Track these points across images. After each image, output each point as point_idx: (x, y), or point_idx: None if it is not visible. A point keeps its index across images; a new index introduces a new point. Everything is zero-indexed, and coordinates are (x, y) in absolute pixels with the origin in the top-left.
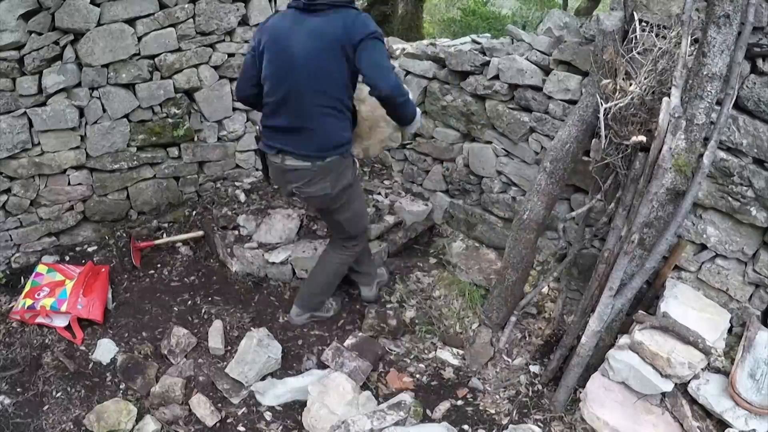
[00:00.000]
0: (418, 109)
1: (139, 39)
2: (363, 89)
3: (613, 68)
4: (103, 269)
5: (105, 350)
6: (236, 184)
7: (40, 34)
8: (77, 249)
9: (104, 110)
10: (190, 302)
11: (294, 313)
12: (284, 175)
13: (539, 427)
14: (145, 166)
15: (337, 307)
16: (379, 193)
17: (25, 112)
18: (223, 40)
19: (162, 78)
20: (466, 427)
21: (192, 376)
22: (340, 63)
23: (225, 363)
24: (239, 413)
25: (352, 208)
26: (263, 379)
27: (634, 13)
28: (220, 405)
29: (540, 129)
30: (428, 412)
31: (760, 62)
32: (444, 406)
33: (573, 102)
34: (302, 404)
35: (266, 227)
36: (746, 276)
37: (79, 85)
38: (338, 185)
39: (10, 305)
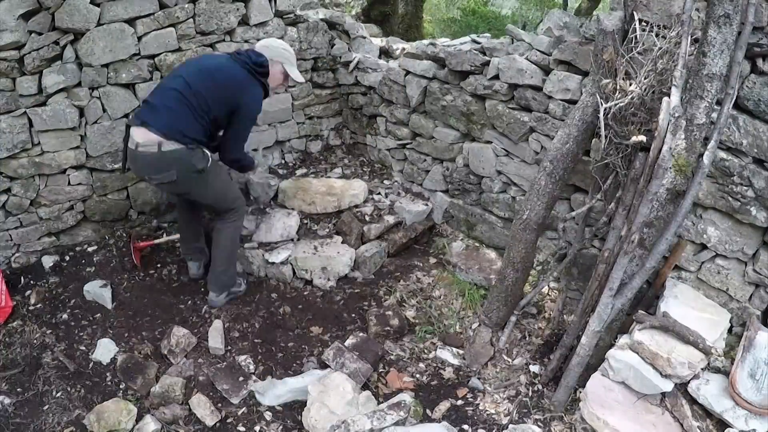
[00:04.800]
0: (255, 159)
1: (139, 39)
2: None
3: (613, 68)
4: None
5: (105, 350)
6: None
7: (40, 33)
8: (77, 249)
9: (104, 110)
10: (190, 302)
11: (211, 297)
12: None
13: (539, 427)
14: None
15: (245, 280)
16: (379, 193)
17: (25, 112)
18: (223, 40)
19: (162, 78)
20: (466, 427)
21: (192, 376)
22: (217, 101)
23: (225, 363)
24: (239, 413)
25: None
26: None
27: (634, 12)
28: (220, 405)
29: (540, 129)
30: (428, 412)
31: (760, 62)
32: (444, 406)
33: (573, 102)
34: (302, 404)
35: (266, 227)
36: (746, 276)
37: (79, 84)
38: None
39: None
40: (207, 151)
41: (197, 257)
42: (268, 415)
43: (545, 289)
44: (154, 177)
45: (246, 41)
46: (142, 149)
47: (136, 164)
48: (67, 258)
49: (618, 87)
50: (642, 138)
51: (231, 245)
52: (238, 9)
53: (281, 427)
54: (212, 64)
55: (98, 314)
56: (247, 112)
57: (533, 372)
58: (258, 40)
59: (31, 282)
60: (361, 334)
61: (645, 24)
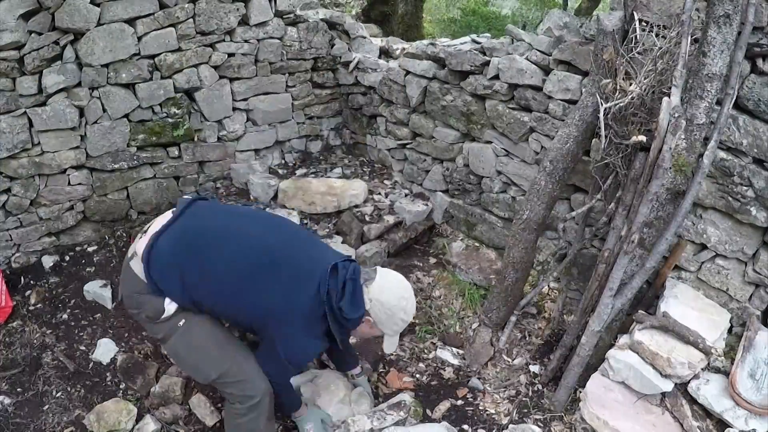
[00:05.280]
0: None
1: (139, 39)
2: None
3: (613, 68)
4: None
5: (105, 350)
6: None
7: (40, 33)
8: (77, 249)
9: (104, 110)
10: None
11: None
12: None
13: (539, 427)
14: (145, 166)
15: None
16: (379, 193)
17: (25, 112)
18: (223, 40)
19: (162, 78)
20: (466, 427)
21: None
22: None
23: None
24: None
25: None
26: None
27: (634, 12)
28: (219, 405)
29: (540, 129)
30: (428, 411)
31: (760, 62)
32: (444, 406)
33: (573, 102)
34: None
35: None
36: (746, 276)
37: (79, 84)
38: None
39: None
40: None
41: None
42: None
43: (545, 289)
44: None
45: (246, 41)
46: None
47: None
48: (67, 258)
49: (618, 87)
50: (642, 138)
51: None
52: (238, 9)
53: (281, 426)
54: (282, 260)
55: (98, 314)
56: (274, 350)
57: (533, 372)
58: (258, 40)
59: (31, 282)
60: None
61: (645, 24)
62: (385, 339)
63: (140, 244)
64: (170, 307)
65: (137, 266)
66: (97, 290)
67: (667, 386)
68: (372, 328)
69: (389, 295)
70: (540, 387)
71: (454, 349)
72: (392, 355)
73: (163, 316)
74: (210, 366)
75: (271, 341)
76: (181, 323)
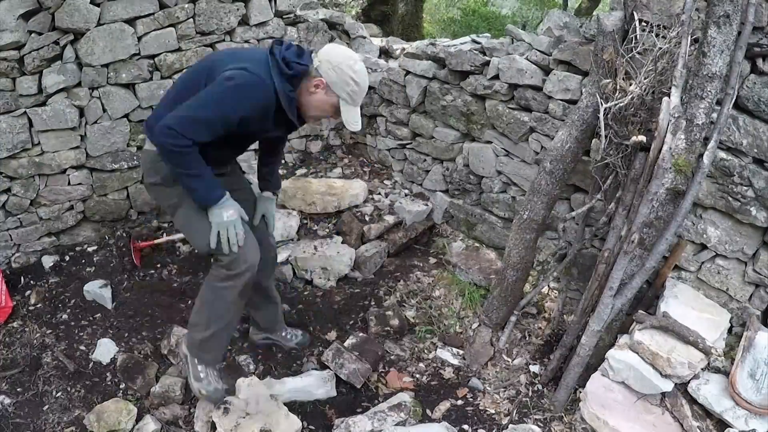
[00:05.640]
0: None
1: (139, 39)
2: None
3: (613, 68)
4: None
5: (105, 350)
6: None
7: (40, 33)
8: (77, 249)
9: (104, 110)
10: (190, 302)
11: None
12: None
13: (539, 427)
14: None
15: (212, 390)
16: (379, 193)
17: (25, 112)
18: (223, 40)
19: (162, 78)
20: (466, 427)
21: None
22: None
23: (225, 363)
24: None
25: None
26: None
27: (634, 13)
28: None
29: (540, 129)
30: (428, 412)
31: (760, 62)
32: (444, 406)
33: (573, 102)
34: (302, 404)
35: None
36: (746, 276)
37: (79, 84)
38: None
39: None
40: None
41: (190, 346)
42: None
43: (545, 289)
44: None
45: (246, 41)
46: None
47: None
48: (67, 258)
49: (618, 87)
50: (642, 138)
51: (208, 309)
52: (238, 9)
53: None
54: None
55: (98, 314)
56: (215, 88)
57: (533, 372)
58: (258, 40)
59: (31, 282)
60: (360, 334)
61: (645, 24)
62: (342, 110)
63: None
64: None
65: (146, 145)
66: (96, 290)
67: (667, 386)
68: (325, 92)
69: (336, 53)
70: (540, 387)
71: (454, 349)
72: (392, 354)
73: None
74: (201, 231)
75: (192, 102)
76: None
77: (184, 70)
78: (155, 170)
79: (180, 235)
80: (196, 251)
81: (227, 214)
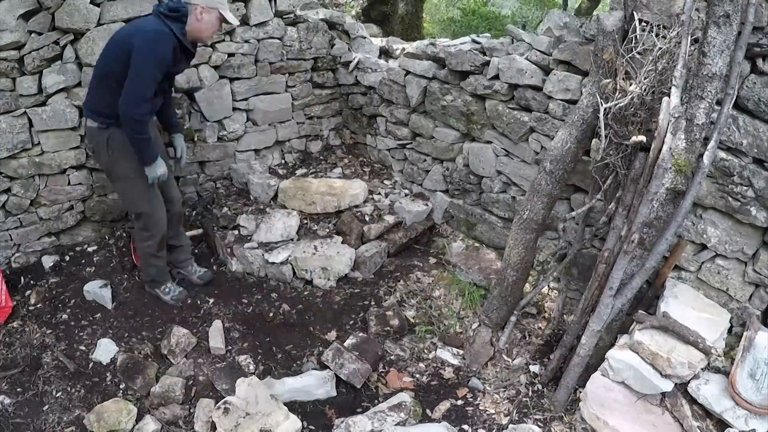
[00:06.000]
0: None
1: None
2: None
3: (613, 68)
4: None
5: (105, 350)
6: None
7: (40, 33)
8: (77, 249)
9: None
10: (190, 302)
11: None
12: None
13: (539, 427)
14: None
15: (176, 292)
16: (379, 193)
17: (25, 112)
18: (223, 40)
19: None
20: (466, 427)
21: (192, 376)
22: (112, 55)
23: (225, 363)
24: None
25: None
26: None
27: (634, 13)
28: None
29: (540, 129)
30: (428, 411)
31: (760, 62)
32: (444, 406)
33: (573, 102)
34: (302, 404)
35: (266, 227)
36: (746, 276)
37: (79, 84)
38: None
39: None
40: (104, 130)
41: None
42: None
43: (545, 289)
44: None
45: (246, 41)
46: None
47: None
48: (67, 258)
49: (618, 87)
50: (642, 138)
51: (142, 255)
52: (238, 9)
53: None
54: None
55: (98, 314)
56: (138, 55)
57: (533, 372)
58: (258, 40)
59: (31, 282)
60: (361, 334)
61: (645, 24)
62: (225, 16)
63: None
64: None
65: (85, 123)
66: (96, 290)
67: (667, 386)
68: (208, 13)
69: None
70: (540, 387)
71: (454, 349)
72: (392, 354)
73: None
74: (135, 194)
75: (132, 76)
76: (115, 144)
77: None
78: (98, 144)
79: None
80: (126, 211)
81: (160, 170)
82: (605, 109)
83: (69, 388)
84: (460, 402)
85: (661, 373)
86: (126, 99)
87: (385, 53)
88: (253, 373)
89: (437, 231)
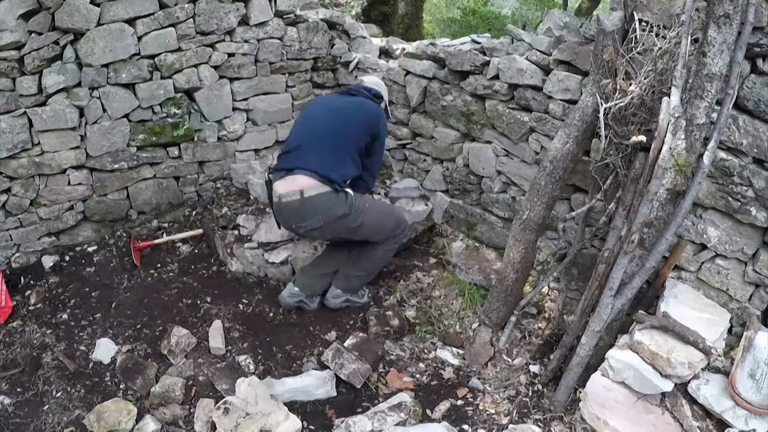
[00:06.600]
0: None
1: (139, 39)
2: None
3: (613, 68)
4: None
5: (105, 350)
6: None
7: (40, 33)
8: (77, 249)
9: (104, 110)
10: (190, 302)
11: (332, 295)
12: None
13: (539, 427)
14: (145, 166)
15: (370, 293)
16: (379, 193)
17: (25, 112)
18: (223, 40)
19: (162, 78)
20: (466, 427)
21: (192, 376)
22: (360, 132)
23: (225, 363)
24: None
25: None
26: None
27: (634, 13)
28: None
29: (540, 129)
30: (428, 411)
31: (760, 62)
32: (444, 406)
33: (573, 102)
34: (302, 404)
35: (266, 227)
36: (746, 276)
37: (79, 84)
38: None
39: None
40: (350, 194)
41: (344, 285)
42: None
43: (545, 289)
44: (300, 225)
45: (246, 41)
46: (285, 200)
47: (282, 215)
48: (67, 258)
49: (618, 87)
50: (642, 138)
51: (378, 263)
52: (238, 9)
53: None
54: (342, 102)
55: (98, 314)
56: (383, 139)
57: (533, 372)
58: (258, 40)
59: (31, 282)
60: (360, 334)
61: (645, 24)
62: (387, 106)
63: (281, 187)
64: (350, 191)
65: (308, 192)
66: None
67: (667, 386)
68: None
69: (373, 79)
70: (540, 387)
71: (454, 349)
72: (392, 354)
73: (349, 201)
74: (392, 219)
75: (378, 155)
76: (363, 202)
77: (314, 119)
78: (338, 205)
79: (180, 235)
80: (377, 238)
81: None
82: (605, 109)
83: (69, 388)
84: (460, 402)
85: (661, 373)
86: (375, 171)
87: (385, 53)
88: (253, 373)
89: (437, 231)
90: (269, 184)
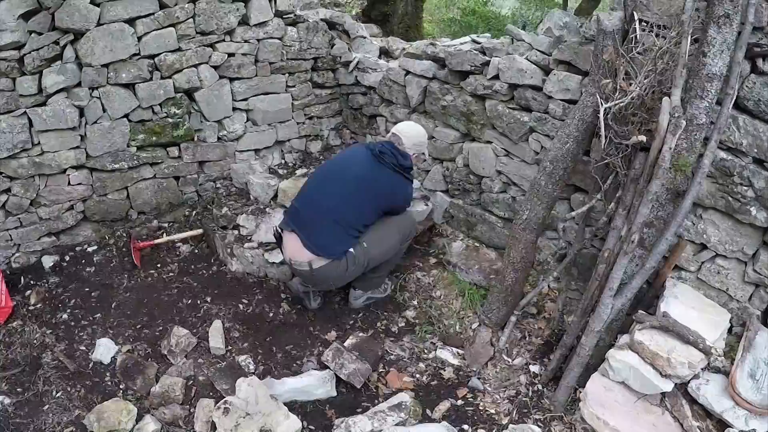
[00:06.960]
0: (413, 194)
1: (139, 39)
2: None
3: (613, 68)
4: None
5: (105, 350)
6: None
7: (40, 33)
8: (77, 249)
9: (104, 110)
10: (190, 302)
11: (354, 296)
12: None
13: (539, 427)
14: (145, 166)
15: (392, 285)
16: None
17: (25, 112)
18: (223, 40)
19: (162, 78)
20: (466, 427)
21: (192, 376)
22: (376, 213)
23: (225, 363)
24: None
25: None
26: None
27: (634, 13)
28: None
29: (540, 129)
30: (428, 411)
31: (760, 62)
32: (444, 406)
33: (573, 102)
34: (302, 404)
35: (266, 227)
36: (746, 276)
37: (79, 84)
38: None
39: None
40: (351, 251)
41: (364, 286)
42: None
43: (545, 289)
44: (315, 287)
45: (246, 41)
46: (295, 266)
47: (295, 273)
48: (67, 258)
49: (618, 87)
50: (642, 138)
51: (393, 262)
52: (238, 9)
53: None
54: (365, 172)
55: (98, 314)
56: (405, 208)
57: (533, 372)
58: (258, 40)
59: (31, 282)
60: (360, 334)
61: (645, 24)
62: (426, 155)
63: (292, 249)
64: (351, 249)
65: (316, 263)
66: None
67: (667, 386)
68: (417, 159)
69: (411, 132)
70: (540, 387)
71: (454, 349)
72: (392, 354)
73: (357, 257)
74: (396, 239)
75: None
76: (365, 244)
77: (331, 184)
78: (344, 266)
79: (180, 235)
80: (389, 256)
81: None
82: (605, 109)
83: (69, 388)
84: (460, 402)
85: (661, 373)
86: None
87: (385, 53)
88: (253, 373)
89: (437, 231)
90: (279, 239)
